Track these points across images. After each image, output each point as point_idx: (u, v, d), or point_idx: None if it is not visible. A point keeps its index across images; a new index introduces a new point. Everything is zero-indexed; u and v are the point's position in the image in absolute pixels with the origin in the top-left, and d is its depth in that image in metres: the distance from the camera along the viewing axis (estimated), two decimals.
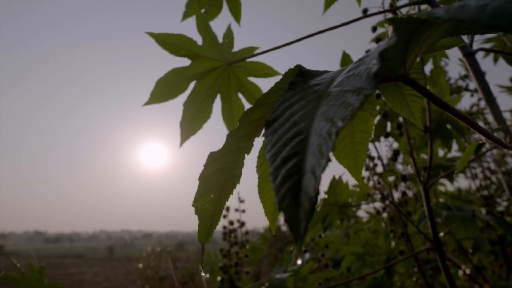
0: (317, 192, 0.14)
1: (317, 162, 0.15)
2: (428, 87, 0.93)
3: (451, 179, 1.66)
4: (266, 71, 0.76)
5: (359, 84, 0.18)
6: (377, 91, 0.36)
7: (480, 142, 0.44)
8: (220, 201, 0.29)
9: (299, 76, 0.25)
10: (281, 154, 0.18)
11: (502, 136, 0.42)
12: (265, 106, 0.27)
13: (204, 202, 0.28)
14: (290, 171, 0.16)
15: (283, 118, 0.21)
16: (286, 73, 0.27)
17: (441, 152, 1.58)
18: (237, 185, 0.29)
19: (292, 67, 0.27)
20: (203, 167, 0.29)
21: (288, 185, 0.15)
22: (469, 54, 0.49)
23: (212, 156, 0.28)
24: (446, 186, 1.96)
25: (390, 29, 0.22)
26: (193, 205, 0.28)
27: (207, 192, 0.29)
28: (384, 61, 0.24)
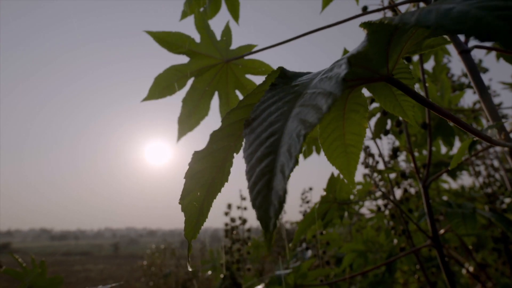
0: (285, 191, 0.15)
1: (286, 163, 0.15)
2: (427, 85, 0.93)
3: (453, 176, 1.66)
4: (263, 69, 0.76)
5: (329, 87, 0.18)
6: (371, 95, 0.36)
7: (474, 139, 0.44)
8: (208, 199, 0.30)
9: (281, 78, 0.25)
10: (257, 153, 0.18)
11: (496, 133, 0.42)
12: (248, 108, 0.28)
13: (190, 200, 0.29)
14: (263, 170, 0.17)
15: (261, 118, 0.21)
16: (269, 75, 0.27)
17: (443, 149, 1.57)
18: (226, 183, 0.30)
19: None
20: (188, 166, 0.29)
21: (260, 184, 0.16)
22: (464, 52, 0.49)
23: (197, 155, 0.29)
24: (450, 183, 1.95)
25: (365, 33, 0.23)
26: (179, 203, 0.29)
27: (194, 190, 0.29)
28: (365, 62, 0.25)
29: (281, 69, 0.27)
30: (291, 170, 0.15)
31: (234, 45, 0.79)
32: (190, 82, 0.78)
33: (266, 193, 0.16)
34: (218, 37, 0.77)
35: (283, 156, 0.16)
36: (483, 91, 0.48)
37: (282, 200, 0.14)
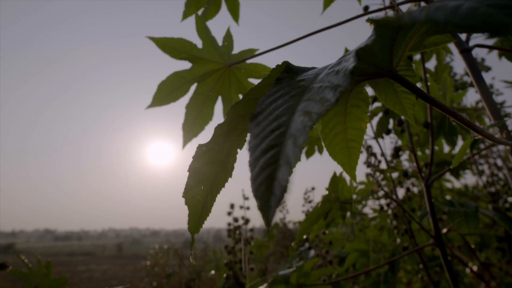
0: (288, 182, 0.15)
1: (292, 154, 0.16)
2: (429, 83, 0.93)
3: (456, 175, 1.65)
4: (266, 72, 0.76)
5: (336, 81, 0.19)
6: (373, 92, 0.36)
7: (476, 137, 0.44)
8: (211, 194, 0.30)
9: (286, 72, 0.26)
10: (261, 145, 0.19)
11: (497, 132, 0.42)
12: (252, 101, 0.28)
13: (194, 194, 0.29)
14: (268, 161, 0.17)
15: (267, 112, 0.21)
16: (273, 69, 0.28)
17: (446, 148, 1.57)
18: (230, 179, 0.30)
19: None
20: (192, 159, 0.29)
21: (264, 175, 0.16)
22: (465, 51, 0.49)
23: (201, 148, 0.29)
24: (453, 182, 1.95)
25: (371, 28, 0.23)
26: (183, 196, 0.29)
27: (198, 183, 0.29)
28: (370, 58, 0.25)
29: (286, 64, 0.27)
30: (296, 161, 0.16)
31: (236, 45, 0.79)
32: (193, 87, 0.79)
33: (269, 184, 0.16)
34: (220, 42, 0.78)
35: (288, 147, 0.17)
36: (485, 90, 0.48)
37: (284, 190, 0.15)
